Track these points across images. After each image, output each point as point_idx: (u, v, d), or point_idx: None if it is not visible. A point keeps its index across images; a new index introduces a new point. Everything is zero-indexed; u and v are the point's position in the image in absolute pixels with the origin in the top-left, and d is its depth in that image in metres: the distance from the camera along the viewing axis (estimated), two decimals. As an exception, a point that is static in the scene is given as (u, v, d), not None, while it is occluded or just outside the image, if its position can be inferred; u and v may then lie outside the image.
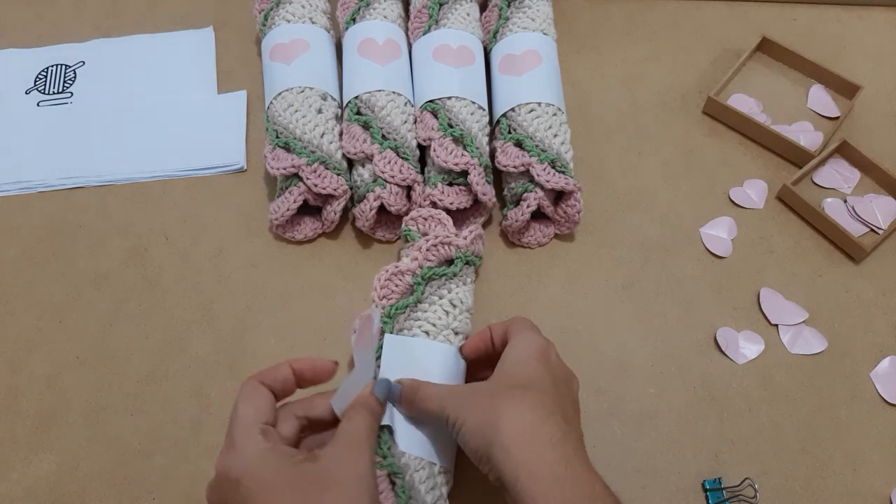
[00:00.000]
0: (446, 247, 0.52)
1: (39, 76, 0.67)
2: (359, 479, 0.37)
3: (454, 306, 0.51)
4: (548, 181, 0.54)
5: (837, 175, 0.63)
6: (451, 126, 0.57)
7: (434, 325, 0.50)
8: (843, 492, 0.50)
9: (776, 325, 0.56)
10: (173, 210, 0.60)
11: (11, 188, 0.61)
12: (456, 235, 0.53)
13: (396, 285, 0.52)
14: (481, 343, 0.47)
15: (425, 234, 0.54)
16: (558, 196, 0.57)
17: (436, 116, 0.57)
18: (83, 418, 0.52)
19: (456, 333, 0.50)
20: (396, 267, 0.52)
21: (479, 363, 0.49)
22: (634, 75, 0.68)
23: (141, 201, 0.61)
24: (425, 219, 0.55)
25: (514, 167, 0.56)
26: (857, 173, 0.63)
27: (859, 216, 0.60)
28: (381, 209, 0.56)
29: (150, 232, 0.59)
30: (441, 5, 0.63)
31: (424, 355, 0.48)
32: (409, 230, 0.55)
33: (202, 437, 0.51)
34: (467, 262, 0.53)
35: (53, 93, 0.66)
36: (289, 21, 0.62)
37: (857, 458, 0.51)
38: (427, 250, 0.52)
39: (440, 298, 0.51)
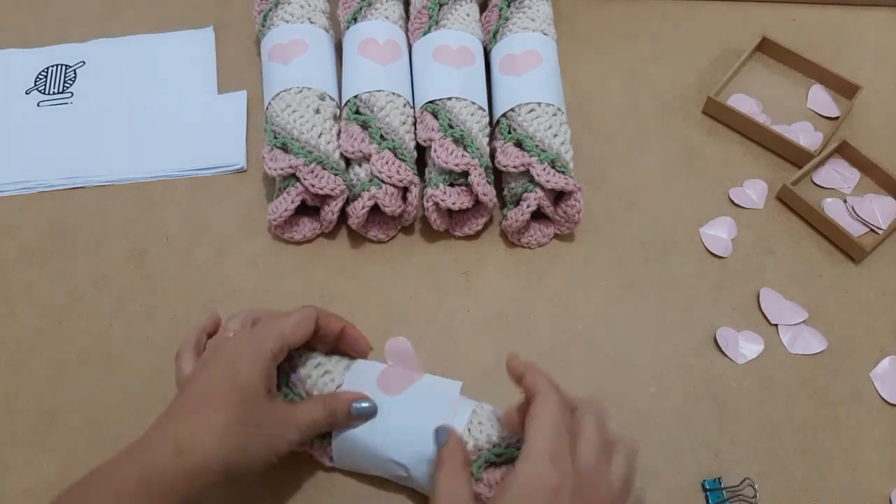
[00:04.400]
0: None
1: (39, 76, 0.67)
2: None
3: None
4: (548, 181, 0.54)
5: (837, 175, 0.63)
6: (451, 127, 0.56)
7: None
8: (842, 492, 0.50)
9: (776, 325, 0.56)
10: (174, 210, 0.60)
11: (11, 188, 0.61)
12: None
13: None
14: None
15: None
16: (558, 196, 0.57)
17: (436, 117, 0.57)
18: (83, 418, 0.52)
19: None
20: None
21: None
22: (634, 75, 0.68)
23: (141, 201, 0.61)
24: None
25: (514, 167, 0.56)
26: (857, 173, 0.63)
27: (859, 216, 0.60)
28: (377, 209, 0.56)
29: (151, 232, 0.59)
30: (441, 6, 0.63)
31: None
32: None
33: (202, 437, 0.51)
34: None
35: (53, 93, 0.66)
36: (287, 21, 0.62)
37: (857, 458, 0.51)
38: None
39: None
